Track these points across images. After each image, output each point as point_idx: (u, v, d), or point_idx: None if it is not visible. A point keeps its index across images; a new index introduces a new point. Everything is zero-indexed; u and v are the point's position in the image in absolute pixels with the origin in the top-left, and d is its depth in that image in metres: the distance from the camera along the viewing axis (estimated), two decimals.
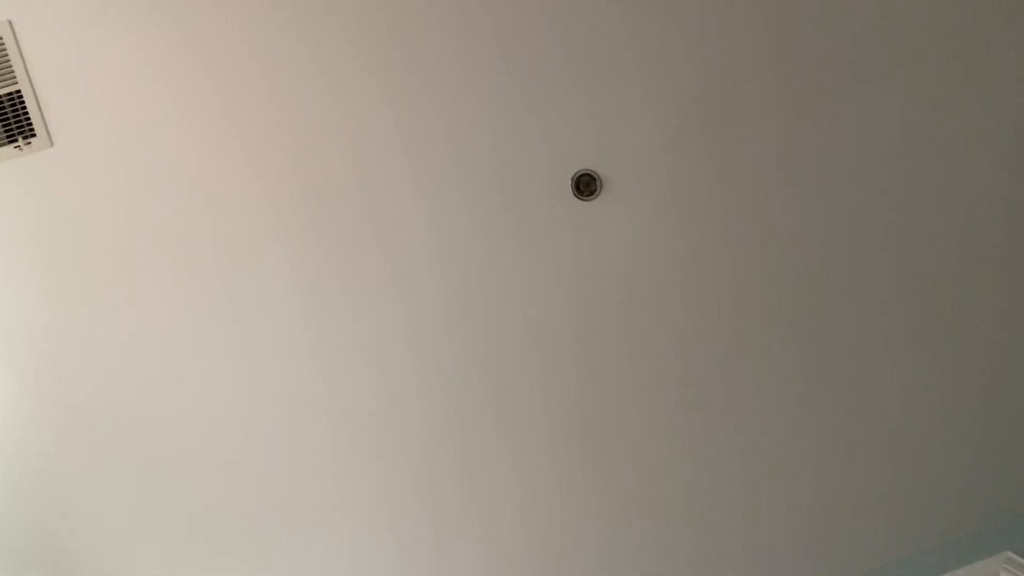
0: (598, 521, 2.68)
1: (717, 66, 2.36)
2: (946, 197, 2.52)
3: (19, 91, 2.14)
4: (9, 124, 2.14)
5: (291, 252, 2.33)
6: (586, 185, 2.39)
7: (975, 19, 2.40)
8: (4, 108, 2.14)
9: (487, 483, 2.59)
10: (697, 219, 2.45)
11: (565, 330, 2.50)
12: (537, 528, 2.66)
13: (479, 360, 2.49)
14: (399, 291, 2.40)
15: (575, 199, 2.40)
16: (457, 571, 2.67)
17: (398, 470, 2.55)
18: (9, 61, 2.12)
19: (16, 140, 2.15)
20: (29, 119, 2.15)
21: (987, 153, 2.50)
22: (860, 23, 2.37)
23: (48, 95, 2.15)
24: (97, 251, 2.25)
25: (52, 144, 2.18)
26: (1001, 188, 2.53)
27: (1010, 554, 2.64)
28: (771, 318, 2.56)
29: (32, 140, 2.16)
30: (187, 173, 2.25)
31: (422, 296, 2.41)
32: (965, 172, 2.51)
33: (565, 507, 2.66)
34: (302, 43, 2.23)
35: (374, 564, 2.60)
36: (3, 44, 2.11)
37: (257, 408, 2.42)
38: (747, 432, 2.64)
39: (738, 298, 2.53)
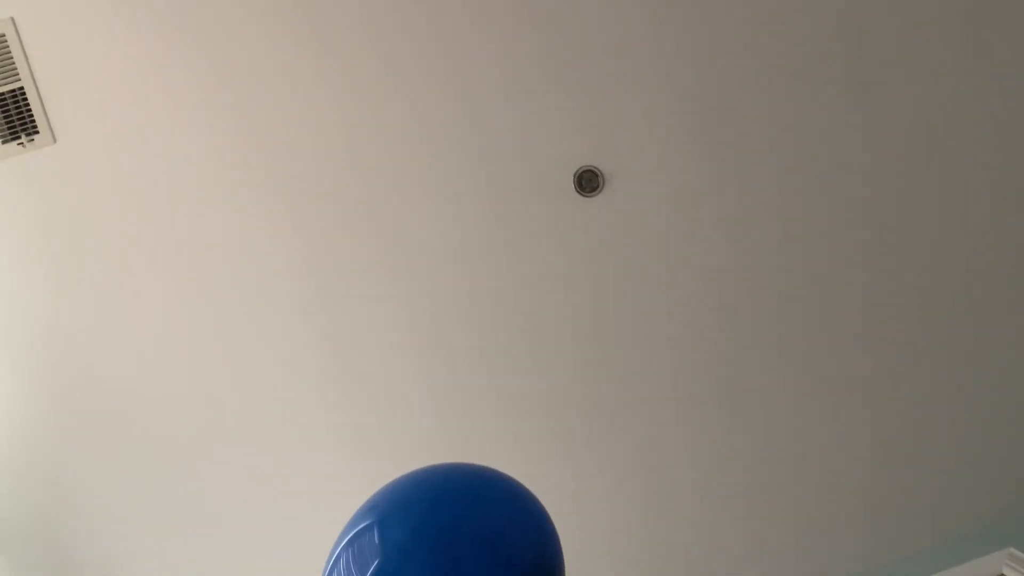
0: (598, 514, 2.69)
1: (720, 63, 2.35)
2: (947, 196, 2.51)
3: (22, 88, 2.14)
4: (12, 121, 2.15)
5: (296, 249, 2.33)
6: (588, 181, 2.38)
7: (975, 18, 2.38)
8: (7, 105, 2.14)
9: None
10: (699, 215, 2.45)
11: (567, 325, 2.50)
12: None
13: (482, 356, 2.49)
14: (402, 288, 2.40)
15: (577, 195, 2.40)
16: None
17: (401, 466, 2.56)
18: (12, 58, 2.12)
19: (19, 137, 2.16)
20: (32, 116, 2.15)
21: (987, 152, 2.49)
22: (861, 21, 2.36)
23: (51, 92, 2.16)
24: (100, 248, 2.26)
25: (55, 141, 2.18)
26: (1002, 187, 2.52)
27: (1013, 550, 2.63)
28: (773, 314, 2.55)
29: (35, 137, 2.16)
30: (190, 169, 2.25)
31: (426, 293, 2.41)
32: (966, 171, 2.49)
33: (567, 500, 2.67)
34: (307, 40, 2.23)
35: None
36: (5, 41, 2.11)
37: (262, 406, 2.43)
38: (749, 429, 2.64)
39: (740, 294, 2.52)
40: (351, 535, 0.98)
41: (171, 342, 2.35)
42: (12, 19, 2.11)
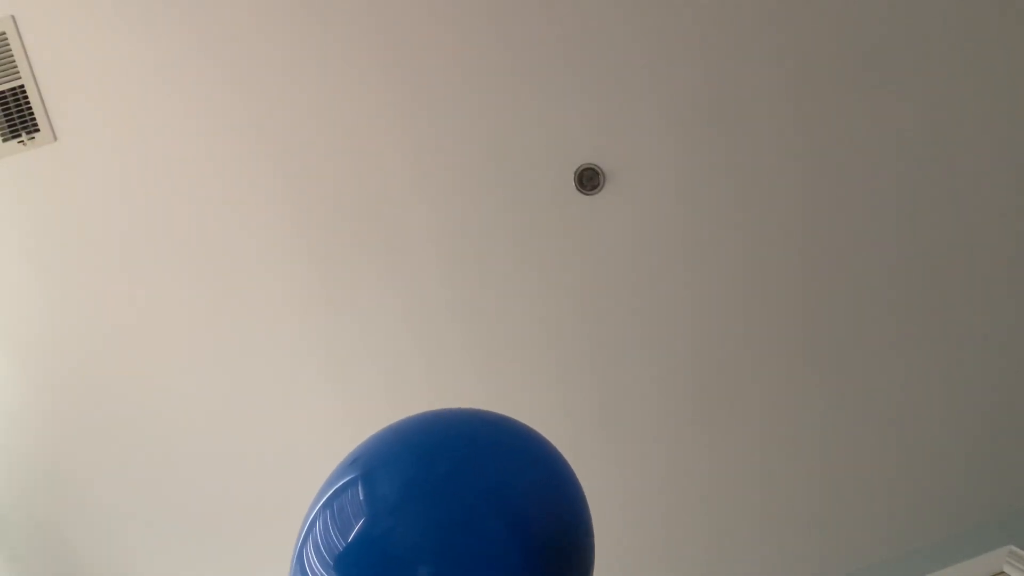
0: (598, 513, 2.69)
1: (722, 60, 2.35)
2: (951, 195, 2.51)
3: (22, 86, 2.14)
4: (12, 119, 2.15)
5: (296, 248, 2.33)
6: (589, 179, 2.38)
7: (983, 18, 2.38)
8: (7, 103, 2.14)
9: None
10: (700, 213, 2.45)
11: (568, 324, 2.50)
12: None
13: (483, 355, 2.49)
14: (402, 286, 2.40)
15: (578, 193, 2.40)
16: None
17: None
18: (12, 56, 2.12)
19: (20, 135, 2.16)
20: (32, 114, 2.15)
21: (993, 151, 2.49)
22: (867, 20, 2.36)
23: (51, 90, 2.16)
24: (100, 247, 2.25)
25: (55, 139, 2.18)
26: (1006, 187, 2.52)
27: (1013, 548, 2.63)
28: (774, 313, 2.55)
29: (36, 135, 2.16)
30: (191, 167, 2.25)
31: (426, 291, 2.41)
32: (971, 170, 2.50)
33: None
34: (308, 39, 2.22)
35: None
36: (6, 39, 2.11)
37: (263, 407, 2.43)
38: (749, 427, 2.64)
39: (741, 292, 2.52)
40: (329, 494, 0.80)
41: (172, 339, 2.35)
42: (12, 17, 2.11)
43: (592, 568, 0.84)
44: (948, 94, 2.44)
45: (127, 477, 2.43)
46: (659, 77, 2.34)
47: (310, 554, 0.76)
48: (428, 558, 0.72)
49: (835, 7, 2.34)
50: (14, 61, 2.12)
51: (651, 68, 2.33)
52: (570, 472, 0.88)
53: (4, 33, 2.10)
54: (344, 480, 0.80)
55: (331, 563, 0.74)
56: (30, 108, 2.15)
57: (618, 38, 2.31)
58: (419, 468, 0.79)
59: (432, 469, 0.78)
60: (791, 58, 2.37)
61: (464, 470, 0.78)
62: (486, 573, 0.72)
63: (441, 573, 0.71)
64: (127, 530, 2.48)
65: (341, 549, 0.74)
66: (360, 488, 0.78)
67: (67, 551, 2.47)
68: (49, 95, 2.16)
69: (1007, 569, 2.63)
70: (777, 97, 2.39)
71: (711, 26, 2.33)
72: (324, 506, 0.79)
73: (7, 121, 2.15)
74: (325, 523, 0.77)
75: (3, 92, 2.14)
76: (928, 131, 2.46)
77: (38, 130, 2.16)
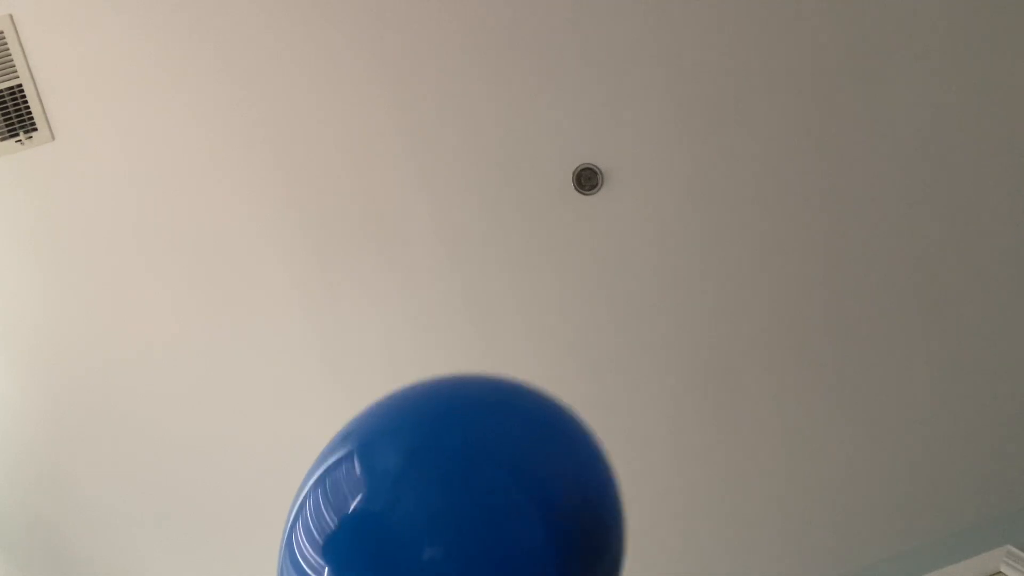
0: None
1: (721, 60, 2.35)
2: (954, 194, 2.51)
3: (20, 85, 2.14)
4: (10, 118, 2.14)
5: (295, 247, 2.33)
6: (587, 179, 2.38)
7: (983, 16, 2.39)
8: (5, 102, 2.14)
9: None
10: (699, 212, 2.45)
11: (566, 324, 2.50)
12: None
13: (482, 356, 2.49)
14: (401, 286, 2.40)
15: (576, 193, 2.40)
16: None
17: None
18: (10, 55, 2.12)
19: (18, 134, 2.15)
20: (31, 113, 2.15)
21: (995, 149, 2.50)
22: (865, 20, 2.36)
23: (49, 89, 2.15)
24: (98, 246, 2.25)
25: (54, 138, 2.18)
26: (1008, 186, 2.53)
27: (1011, 548, 2.64)
28: (774, 313, 2.56)
29: (34, 134, 2.16)
30: (189, 167, 2.25)
31: (424, 291, 2.41)
32: (974, 169, 2.50)
33: None
34: (306, 36, 2.22)
35: None
36: (4, 38, 2.11)
37: (261, 406, 2.43)
38: (750, 427, 2.65)
39: (740, 292, 2.53)
40: (320, 471, 0.69)
41: (170, 338, 2.34)
42: (11, 16, 2.10)
43: (623, 556, 0.73)
44: (951, 92, 2.45)
45: (127, 476, 2.42)
46: (658, 77, 2.35)
47: (300, 537, 0.67)
48: (435, 538, 0.61)
49: (835, 7, 2.35)
50: (12, 60, 2.12)
51: (650, 68, 2.34)
52: (598, 444, 0.75)
53: (2, 32, 2.10)
54: (338, 454, 0.68)
55: (323, 545, 0.64)
56: (28, 107, 2.14)
57: (617, 38, 2.31)
58: (425, 437, 0.67)
59: (440, 438, 0.66)
60: (790, 56, 2.37)
61: (479, 440, 0.66)
62: (505, 555, 0.60)
63: (451, 555, 0.60)
64: (127, 530, 2.47)
65: (335, 529, 0.64)
66: (357, 461, 0.66)
67: (67, 551, 2.46)
68: (47, 94, 2.15)
69: (1004, 569, 2.63)
70: (776, 96, 2.39)
71: (709, 25, 2.33)
72: (316, 483, 0.69)
73: (5, 120, 2.14)
74: (317, 501, 0.67)
75: (1, 91, 2.13)
76: (932, 130, 2.46)
77: (36, 129, 2.16)
